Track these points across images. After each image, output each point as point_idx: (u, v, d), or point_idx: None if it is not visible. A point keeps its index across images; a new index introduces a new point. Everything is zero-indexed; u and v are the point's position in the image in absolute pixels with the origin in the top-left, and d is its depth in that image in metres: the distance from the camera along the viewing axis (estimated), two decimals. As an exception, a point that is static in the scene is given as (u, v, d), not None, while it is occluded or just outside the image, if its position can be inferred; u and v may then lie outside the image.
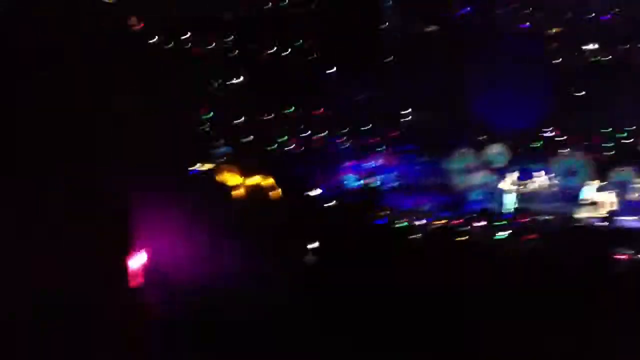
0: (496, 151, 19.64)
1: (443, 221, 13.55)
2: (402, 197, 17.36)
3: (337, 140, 20.95)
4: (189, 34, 21.50)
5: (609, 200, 16.53)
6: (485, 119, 20.67)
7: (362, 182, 18.76)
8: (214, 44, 22.04)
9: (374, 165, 20.14)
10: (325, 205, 12.91)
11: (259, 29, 22.49)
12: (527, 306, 8.66)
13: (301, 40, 23.06)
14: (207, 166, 12.80)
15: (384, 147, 20.99)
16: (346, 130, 21.49)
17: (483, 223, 12.89)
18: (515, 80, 20.57)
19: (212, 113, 19.83)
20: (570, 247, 11.67)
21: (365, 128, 21.94)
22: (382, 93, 22.46)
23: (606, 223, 15.49)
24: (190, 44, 21.49)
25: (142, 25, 20.55)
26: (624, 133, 20.44)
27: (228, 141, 18.82)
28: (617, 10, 23.19)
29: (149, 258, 4.81)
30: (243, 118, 20.10)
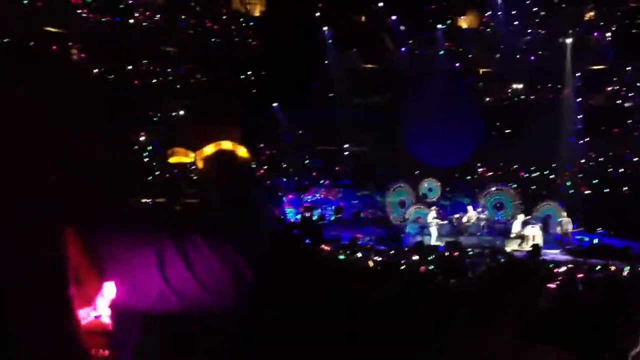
0: (429, 185, 20.35)
1: (379, 257, 13.91)
2: (340, 230, 17.73)
3: (277, 174, 21.25)
4: (130, 66, 21.45)
5: (534, 234, 17.41)
6: (418, 154, 21.49)
7: (300, 215, 19.07)
8: (156, 77, 22.02)
9: (313, 199, 20.54)
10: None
11: (202, 61, 22.60)
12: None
13: (243, 75, 23.35)
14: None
15: (323, 180, 21.43)
16: (286, 165, 21.82)
17: (416, 257, 13.31)
18: (447, 117, 21.49)
19: (150, 147, 19.70)
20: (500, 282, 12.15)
21: (305, 162, 22.38)
22: (322, 128, 23.01)
23: (533, 256, 16.19)
24: (132, 75, 21.39)
25: (83, 55, 20.40)
26: (546, 169, 21.67)
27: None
28: (540, 52, 24.62)
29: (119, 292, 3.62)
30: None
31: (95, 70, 20.37)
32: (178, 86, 22.19)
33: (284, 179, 21.06)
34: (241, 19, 24.67)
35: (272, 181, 20.72)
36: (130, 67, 21.31)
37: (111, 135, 15.85)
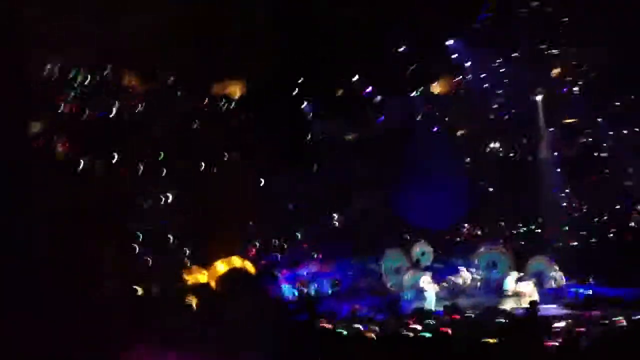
0: (421, 249, 20.55)
1: (378, 326, 13.95)
2: (338, 302, 17.73)
3: (269, 250, 21.30)
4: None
5: (529, 290, 17.56)
6: (408, 219, 21.77)
7: (297, 291, 19.04)
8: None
9: (308, 273, 20.52)
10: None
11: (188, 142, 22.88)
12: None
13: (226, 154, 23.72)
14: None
15: (316, 253, 21.51)
16: (277, 239, 21.89)
17: (417, 326, 13.40)
18: (431, 181, 21.93)
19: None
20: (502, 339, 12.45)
21: (297, 235, 22.48)
22: (309, 199, 23.27)
23: (533, 313, 16.31)
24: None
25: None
26: (533, 224, 22.09)
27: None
28: (513, 111, 25.48)
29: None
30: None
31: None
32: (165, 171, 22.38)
33: (277, 255, 21.11)
34: (223, 98, 25.25)
35: (266, 259, 20.76)
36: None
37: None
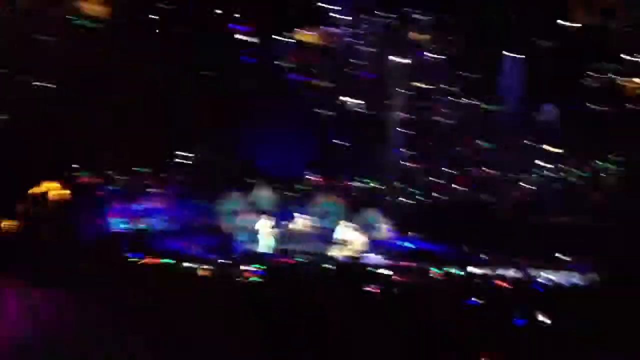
0: (262, 194, 20.82)
1: (209, 266, 14.12)
2: (171, 240, 17.58)
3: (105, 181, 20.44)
4: None
5: (357, 239, 18.56)
6: (251, 163, 21.88)
7: (130, 225, 18.56)
8: None
9: (143, 208, 20.03)
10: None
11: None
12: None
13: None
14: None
15: (154, 188, 21.00)
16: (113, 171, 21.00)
17: (250, 267, 13.74)
18: (281, 127, 22.11)
19: None
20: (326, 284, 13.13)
21: (137, 168, 21.72)
22: (155, 133, 22.50)
23: (357, 260, 17.33)
24: None
25: None
26: (369, 178, 23.21)
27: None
28: (373, 69, 26.16)
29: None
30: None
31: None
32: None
33: (111, 187, 20.30)
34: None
35: (97, 188, 19.89)
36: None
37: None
